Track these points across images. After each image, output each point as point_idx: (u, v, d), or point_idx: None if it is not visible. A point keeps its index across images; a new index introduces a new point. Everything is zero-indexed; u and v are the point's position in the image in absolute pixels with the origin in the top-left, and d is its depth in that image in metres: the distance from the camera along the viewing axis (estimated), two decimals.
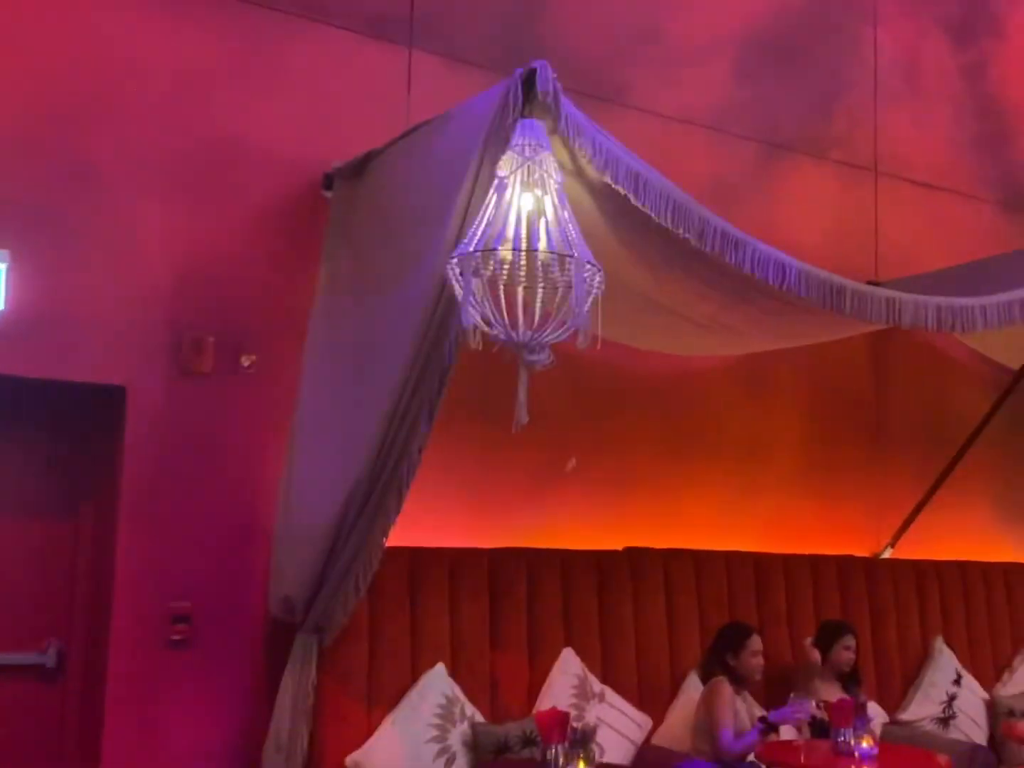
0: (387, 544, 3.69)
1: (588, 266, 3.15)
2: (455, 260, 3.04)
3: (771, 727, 4.13)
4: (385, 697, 3.98)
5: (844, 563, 5.34)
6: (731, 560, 5.02)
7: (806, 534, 5.46)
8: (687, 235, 3.54)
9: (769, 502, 5.40)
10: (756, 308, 4.21)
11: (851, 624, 4.90)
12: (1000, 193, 6.40)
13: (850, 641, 4.79)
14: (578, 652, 4.45)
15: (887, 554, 5.62)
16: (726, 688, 4.23)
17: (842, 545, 5.50)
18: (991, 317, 4.13)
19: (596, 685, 4.44)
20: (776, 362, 5.48)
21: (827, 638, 4.83)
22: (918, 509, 5.62)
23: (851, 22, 6.00)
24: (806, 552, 5.28)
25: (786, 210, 5.52)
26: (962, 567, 5.66)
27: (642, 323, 4.54)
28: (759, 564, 5.08)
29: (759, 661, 4.33)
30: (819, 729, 4.33)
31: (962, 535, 5.96)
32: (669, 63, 5.33)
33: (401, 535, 3.82)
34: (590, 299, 3.19)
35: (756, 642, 4.36)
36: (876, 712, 4.88)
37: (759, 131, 5.57)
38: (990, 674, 5.50)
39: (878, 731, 4.76)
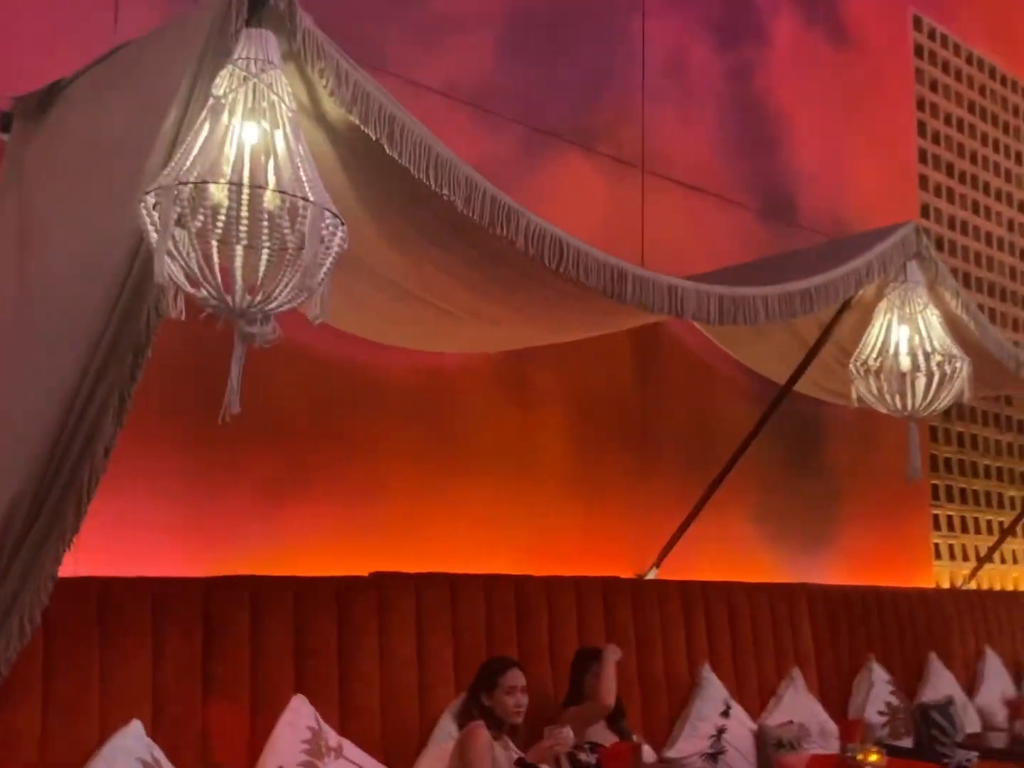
0: (66, 574, 2.87)
1: (328, 217, 2.51)
2: (151, 196, 2.32)
3: (530, 766, 3.59)
4: None
5: (609, 585, 4.90)
6: (490, 585, 4.47)
7: (571, 554, 5.00)
8: (451, 196, 2.96)
9: (533, 519, 4.91)
10: (525, 296, 3.68)
11: (606, 647, 4.43)
12: (760, 201, 6.24)
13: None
14: (311, 699, 3.74)
15: (652, 575, 5.24)
16: (482, 733, 3.64)
17: (608, 566, 5.07)
18: (772, 308, 3.82)
19: (332, 738, 3.74)
20: (540, 366, 5.01)
21: (580, 667, 4.36)
22: (683, 527, 5.27)
23: (621, 11, 5.67)
24: (570, 574, 4.81)
25: (553, 201, 5.03)
26: (727, 588, 5.36)
27: (388, 313, 3.93)
28: (521, 589, 4.56)
29: (517, 700, 3.77)
30: None
31: (727, 554, 5.68)
32: (432, 29, 4.77)
33: (88, 562, 3.02)
34: (330, 259, 2.55)
35: (513, 677, 3.80)
36: (646, 752, 4.45)
37: (526, 114, 5.10)
38: (757, 702, 5.20)
39: None
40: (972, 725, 6.05)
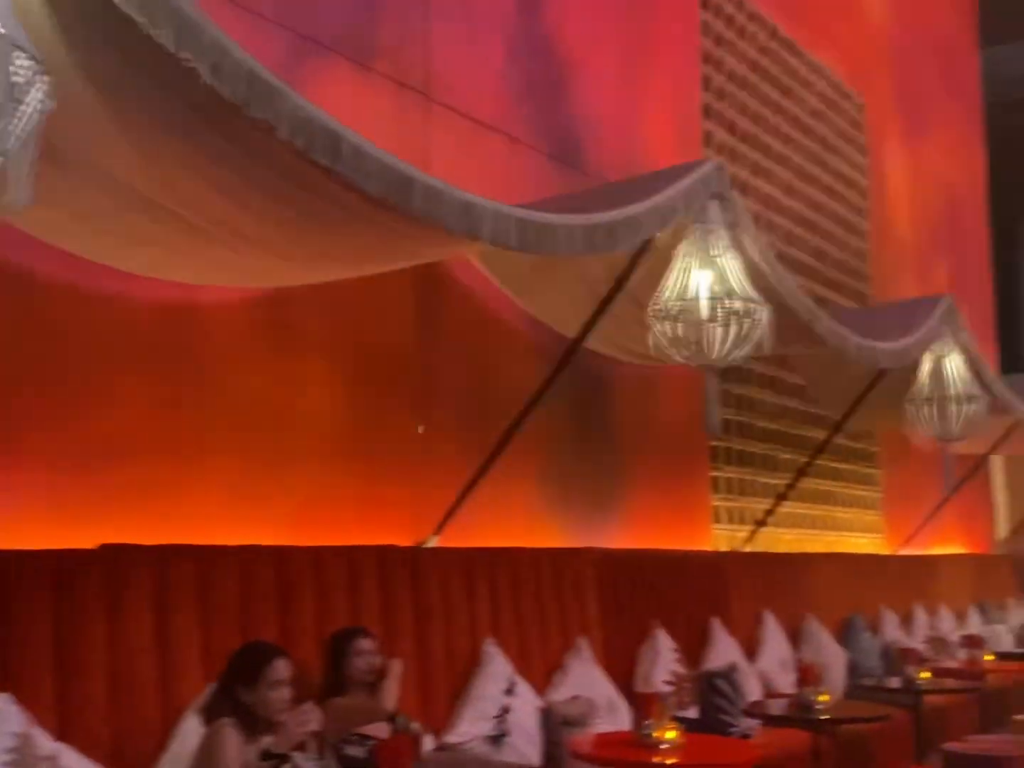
0: None
1: (22, 58, 1.86)
2: None
3: (279, 758, 3.03)
4: None
5: (385, 555, 4.38)
6: (247, 557, 3.86)
7: (342, 523, 4.44)
8: (195, 64, 2.34)
9: (298, 483, 4.31)
10: (290, 209, 3.08)
11: (361, 627, 3.92)
12: (551, 145, 5.85)
13: (364, 644, 3.83)
14: (19, 698, 3.04)
15: (433, 543, 4.76)
16: (230, 735, 3.05)
17: (384, 534, 4.55)
18: (575, 238, 3.41)
19: (46, 745, 3.05)
20: (308, 310, 4.42)
21: (336, 649, 3.83)
22: (466, 491, 4.82)
23: None
24: (342, 543, 4.26)
25: None
26: (512, 555, 4.95)
27: (122, 227, 3.23)
28: (283, 561, 3.97)
29: (281, 695, 3.19)
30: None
31: (512, 519, 5.28)
32: None
33: None
34: (26, 118, 1.90)
35: (279, 669, 3.22)
36: (424, 740, 3.97)
37: (293, 18, 4.46)
38: (543, 677, 4.83)
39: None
40: (755, 691, 5.93)
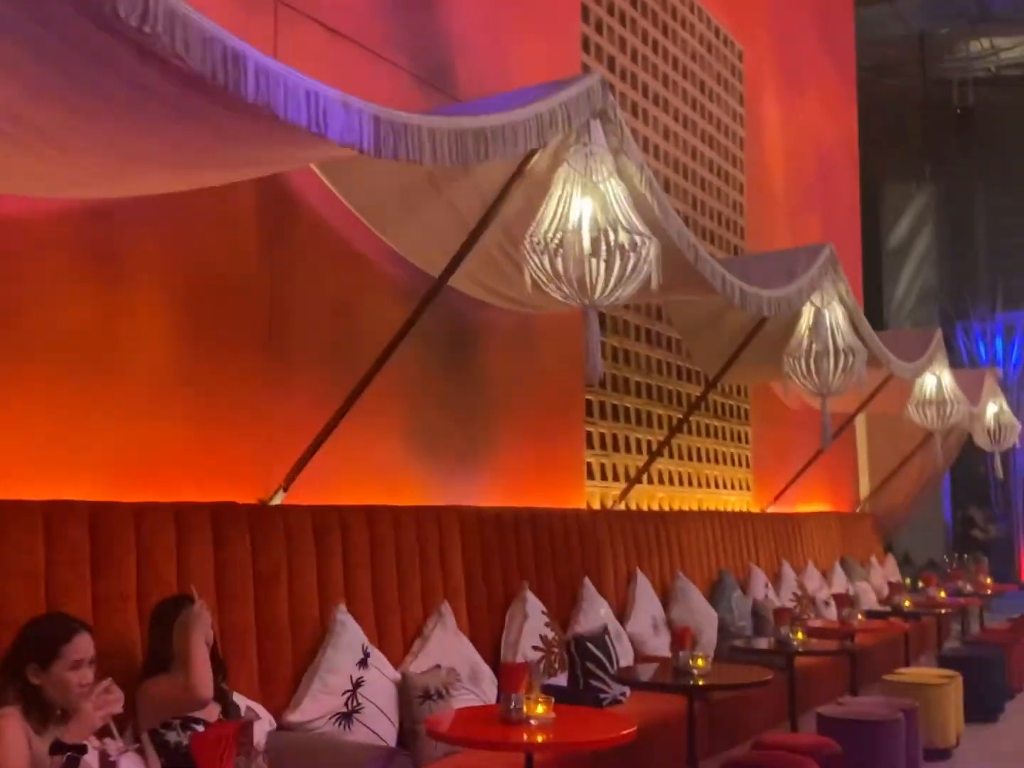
0: None
1: None
2: None
3: (76, 748, 2.52)
4: None
5: (222, 513, 3.86)
6: (53, 513, 3.30)
7: (173, 476, 3.90)
8: None
9: (120, 430, 3.75)
10: (94, 96, 2.52)
11: (188, 611, 3.31)
12: (415, 64, 5.33)
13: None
14: None
15: (279, 499, 4.26)
16: (13, 725, 2.52)
17: (224, 489, 4.03)
18: (441, 145, 2.97)
19: None
20: (139, 231, 3.85)
21: (162, 620, 3.28)
22: (318, 442, 4.33)
23: None
24: (171, 499, 3.73)
25: None
26: (369, 513, 4.49)
27: None
28: (98, 518, 3.42)
29: (82, 676, 2.67)
30: None
31: (370, 475, 4.81)
32: None
33: None
34: None
35: (80, 647, 2.70)
36: (264, 718, 3.50)
37: None
38: (401, 647, 4.40)
39: (263, 742, 3.39)
40: (627, 655, 5.64)
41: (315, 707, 3.81)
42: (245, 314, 4.31)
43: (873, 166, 13.56)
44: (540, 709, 3.45)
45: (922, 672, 6.56)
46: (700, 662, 4.51)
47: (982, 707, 7.05)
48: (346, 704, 3.87)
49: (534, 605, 5.13)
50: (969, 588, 9.86)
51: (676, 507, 7.66)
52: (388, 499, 4.72)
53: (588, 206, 3.80)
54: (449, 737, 3.41)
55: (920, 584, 10.23)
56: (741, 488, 8.81)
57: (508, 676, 3.52)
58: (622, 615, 5.99)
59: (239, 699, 3.42)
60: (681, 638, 4.55)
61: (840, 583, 9.23)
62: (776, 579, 8.25)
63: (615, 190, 3.82)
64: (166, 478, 3.86)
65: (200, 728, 3.08)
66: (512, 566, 5.24)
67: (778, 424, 9.45)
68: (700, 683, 4.46)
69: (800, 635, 5.59)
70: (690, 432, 7.97)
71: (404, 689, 4.10)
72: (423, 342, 5.03)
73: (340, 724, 3.83)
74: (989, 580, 10.77)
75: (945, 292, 20.84)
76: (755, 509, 8.95)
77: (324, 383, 4.50)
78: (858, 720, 5.05)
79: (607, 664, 5.22)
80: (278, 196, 4.37)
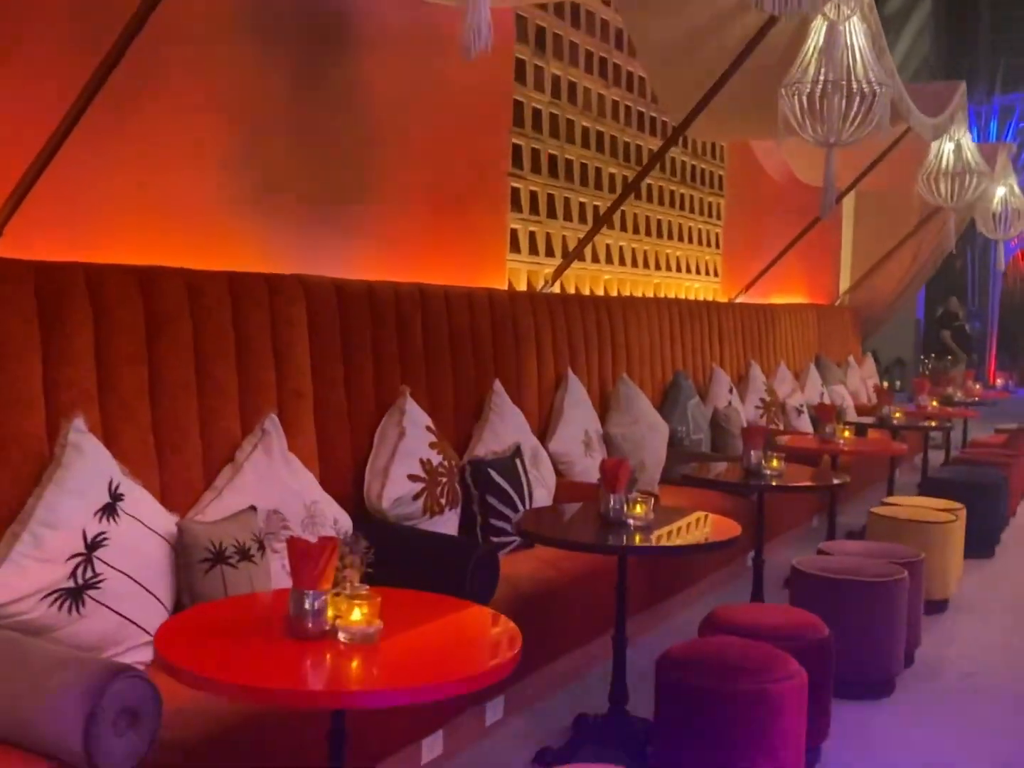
0: None
1: None
2: None
3: None
4: None
5: None
6: None
7: None
8: None
9: None
10: None
11: None
12: None
13: None
14: None
15: None
16: None
17: None
18: None
19: None
20: None
21: None
22: (53, 151, 2.73)
23: None
24: None
25: None
26: (142, 277, 2.94)
27: None
28: None
29: None
30: None
31: (154, 222, 3.24)
32: None
33: None
34: None
35: None
36: None
37: None
38: (195, 483, 2.95)
39: None
40: (545, 483, 4.25)
41: (20, 579, 2.38)
42: None
43: None
44: (639, 509, 3.06)
45: (917, 503, 5.29)
46: (639, 509, 3.12)
47: (979, 542, 5.87)
48: (73, 575, 2.44)
49: (416, 418, 3.68)
50: (960, 395, 8.61)
51: (626, 292, 6.18)
52: (188, 259, 3.17)
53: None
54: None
55: (884, 385, 8.99)
56: (708, 273, 7.32)
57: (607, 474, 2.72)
58: (544, 430, 4.60)
59: None
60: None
61: (814, 387, 7.91)
62: (741, 382, 6.89)
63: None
64: None
65: None
66: (389, 364, 3.76)
67: (756, 198, 7.88)
68: (639, 542, 3.07)
69: (775, 463, 4.23)
70: (649, 200, 6.39)
71: (181, 548, 2.67)
72: (259, 29, 3.37)
73: (62, 606, 2.41)
74: (978, 386, 9.53)
75: (941, 70, 18.87)
76: (723, 299, 7.51)
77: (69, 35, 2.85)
78: (848, 580, 3.76)
79: (516, 498, 3.84)
80: None
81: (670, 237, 6.70)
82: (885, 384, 9.41)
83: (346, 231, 3.99)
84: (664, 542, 3.19)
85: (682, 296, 6.89)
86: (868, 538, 4.92)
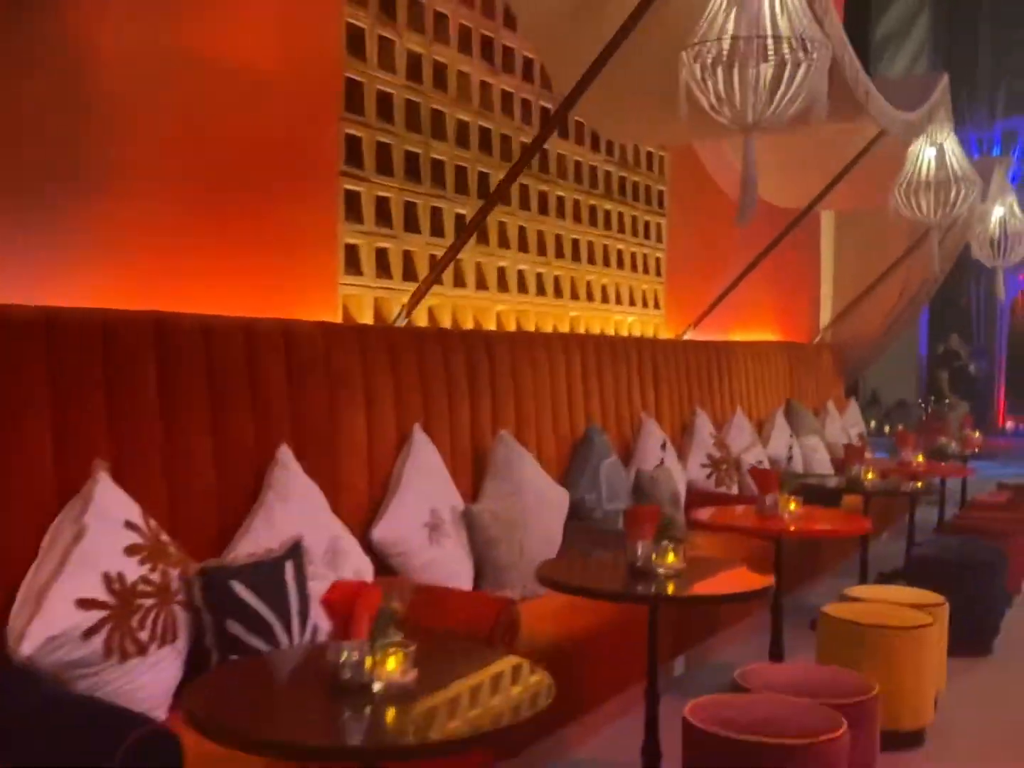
0: None
1: None
2: None
3: None
4: None
5: None
6: None
7: None
8: None
9: None
10: None
11: None
12: None
13: None
14: None
15: None
16: None
17: None
18: None
19: None
20: None
21: None
22: None
23: None
24: None
25: None
26: None
27: None
28: None
29: None
30: None
31: None
32: None
33: None
34: None
35: None
36: None
37: None
38: None
39: None
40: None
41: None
42: None
43: None
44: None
45: (886, 596, 4.07)
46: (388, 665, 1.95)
47: (972, 636, 4.66)
48: None
49: (110, 508, 2.49)
50: (954, 447, 7.39)
51: (531, 327, 5.02)
52: None
53: None
54: None
55: (887, 430, 7.82)
56: (647, 305, 6.16)
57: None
58: (366, 519, 3.41)
59: None
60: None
61: (781, 438, 6.72)
62: (685, 435, 5.71)
63: None
64: None
65: None
66: (83, 426, 2.59)
67: (708, 218, 6.74)
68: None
69: (671, 558, 3.04)
70: (561, 216, 5.25)
71: None
72: None
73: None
74: (977, 434, 8.30)
75: None
76: (668, 335, 6.35)
77: None
78: (754, 745, 2.56)
79: (275, 624, 2.64)
80: None
81: (592, 261, 5.55)
82: (872, 424, 8.21)
83: (70, 242, 2.85)
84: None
85: (612, 331, 5.73)
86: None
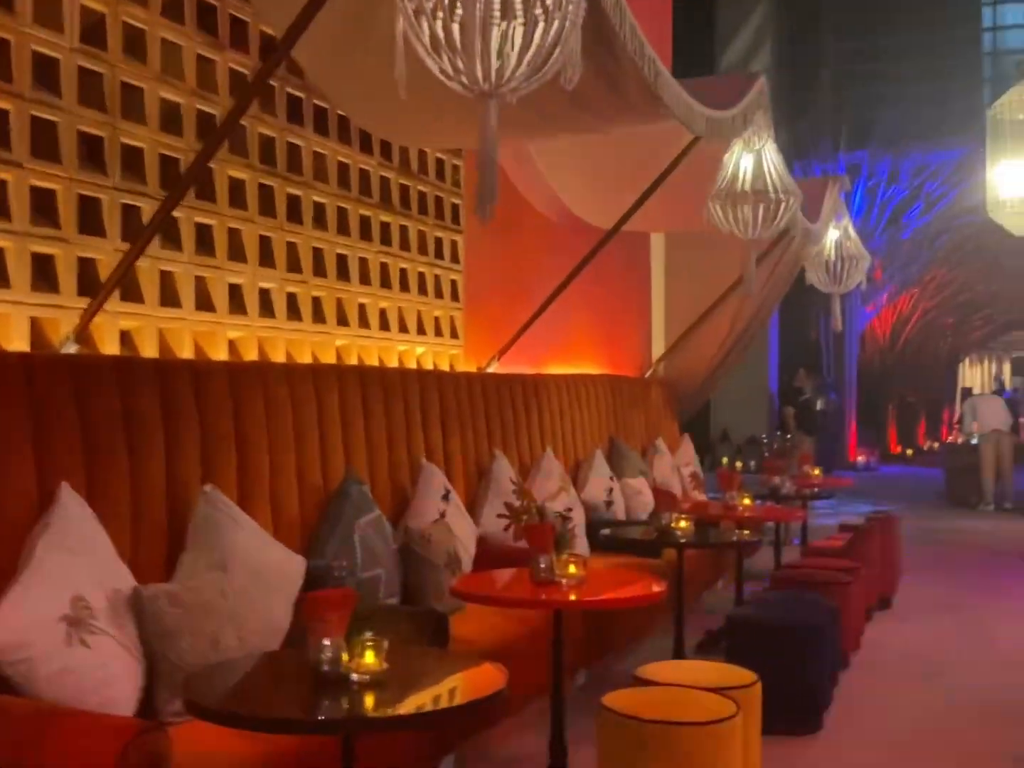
0: None
1: None
2: None
3: None
4: None
5: None
6: None
7: None
8: None
9: None
10: None
11: None
12: None
13: None
14: None
15: None
16: None
17: None
18: None
19: None
20: None
21: None
22: None
23: None
24: None
25: None
26: None
27: None
28: None
29: None
30: None
31: None
32: None
33: None
34: None
35: None
36: None
37: None
38: None
39: None
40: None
41: None
42: None
43: None
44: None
45: (687, 676, 3.33)
46: None
47: (795, 714, 3.99)
48: None
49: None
50: (788, 486, 6.80)
51: (280, 357, 4.17)
52: None
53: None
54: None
55: (738, 466, 7.23)
56: (440, 334, 5.38)
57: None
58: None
59: None
60: None
61: (599, 481, 6.01)
62: (482, 481, 4.94)
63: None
64: None
65: None
66: None
67: (516, 238, 6.03)
68: None
69: (370, 658, 2.23)
70: (322, 226, 4.44)
71: None
72: None
73: None
74: (817, 471, 7.77)
75: (784, 125, 17.74)
76: (469, 368, 5.58)
77: None
78: None
79: None
80: None
81: (366, 281, 4.74)
82: (724, 461, 7.61)
83: None
84: None
85: (396, 363, 4.93)
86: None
